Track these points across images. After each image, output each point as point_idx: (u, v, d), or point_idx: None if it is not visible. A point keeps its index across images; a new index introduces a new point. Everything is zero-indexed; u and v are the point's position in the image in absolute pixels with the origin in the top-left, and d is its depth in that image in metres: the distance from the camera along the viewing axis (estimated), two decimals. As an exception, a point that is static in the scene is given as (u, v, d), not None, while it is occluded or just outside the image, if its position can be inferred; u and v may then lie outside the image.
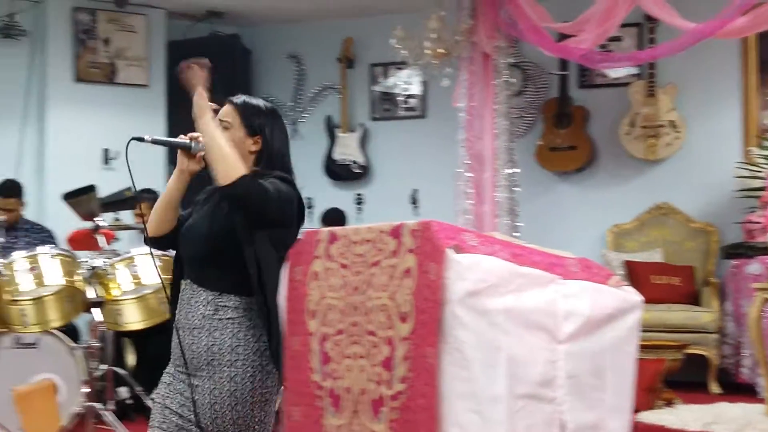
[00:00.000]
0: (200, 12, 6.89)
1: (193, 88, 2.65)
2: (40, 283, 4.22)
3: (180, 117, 6.90)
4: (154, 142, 2.65)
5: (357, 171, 7.10)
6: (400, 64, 6.64)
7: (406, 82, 7.05)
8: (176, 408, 2.58)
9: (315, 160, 7.14)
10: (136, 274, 4.40)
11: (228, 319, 2.54)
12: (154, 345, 5.65)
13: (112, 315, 4.44)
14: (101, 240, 4.44)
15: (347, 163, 7.10)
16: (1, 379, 4.33)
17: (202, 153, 2.62)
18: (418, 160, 6.93)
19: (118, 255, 4.51)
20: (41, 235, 5.77)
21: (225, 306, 2.55)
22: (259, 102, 2.72)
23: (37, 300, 4.33)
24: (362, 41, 7.09)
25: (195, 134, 2.65)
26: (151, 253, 2.82)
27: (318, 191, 6.95)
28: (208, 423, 2.53)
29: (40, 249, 4.32)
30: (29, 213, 5.94)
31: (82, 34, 6.56)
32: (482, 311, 2.12)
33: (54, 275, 4.21)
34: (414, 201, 6.85)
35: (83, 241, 4.56)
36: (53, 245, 5.23)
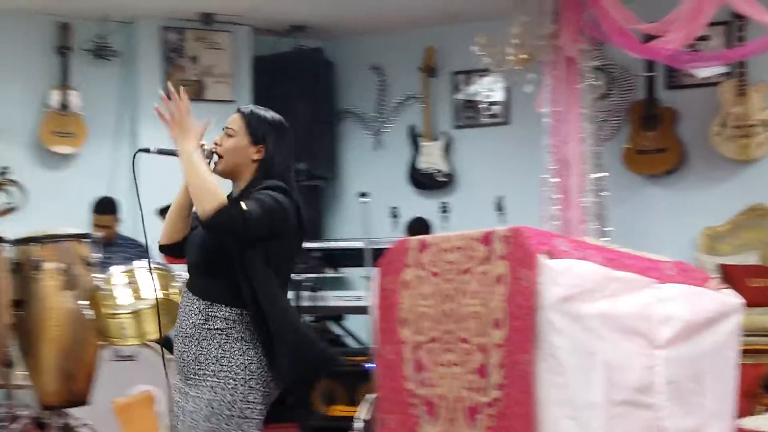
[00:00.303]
0: (284, 27, 6.99)
1: (176, 119, 2.66)
2: (137, 297, 4.33)
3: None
4: (160, 152, 2.75)
5: (441, 179, 7.09)
6: (483, 72, 6.62)
7: (489, 89, 7.02)
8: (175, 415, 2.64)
9: (399, 169, 7.16)
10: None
11: (216, 329, 2.53)
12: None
13: (206, 326, 4.52)
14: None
15: (431, 171, 7.11)
16: (102, 391, 4.44)
17: (208, 161, 2.68)
18: (503, 167, 6.89)
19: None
20: (136, 250, 5.92)
21: (215, 316, 2.53)
22: (267, 113, 2.77)
23: (135, 313, 4.45)
24: (444, 50, 7.10)
25: (202, 143, 2.71)
26: (149, 265, 3.32)
27: (402, 201, 6.97)
28: (185, 430, 2.54)
29: (136, 263, 4.44)
30: (124, 229, 6.12)
31: (171, 52, 6.73)
32: (576, 317, 2.11)
33: (151, 288, 4.32)
34: (499, 208, 6.80)
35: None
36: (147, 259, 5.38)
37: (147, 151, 2.73)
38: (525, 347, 2.11)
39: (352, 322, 6.23)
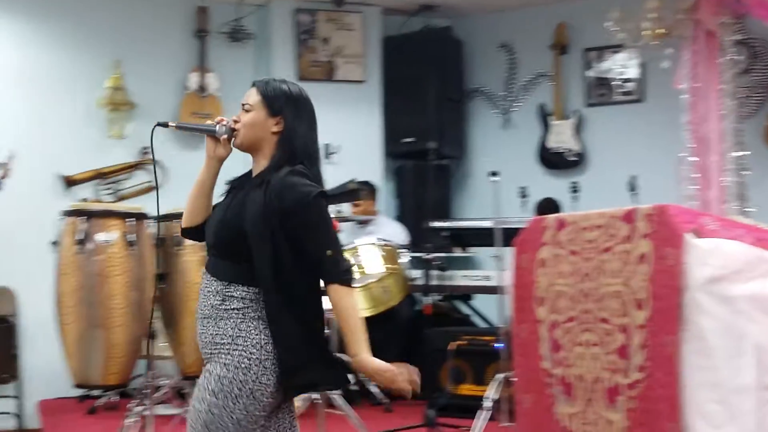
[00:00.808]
0: (414, 6, 6.99)
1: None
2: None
3: (395, 110, 7.09)
4: (178, 127, 2.67)
5: (572, 159, 6.97)
6: (616, 48, 6.45)
7: (623, 66, 6.84)
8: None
9: (528, 149, 7.07)
10: (360, 263, 4.53)
11: (233, 309, 2.45)
12: (374, 333, 5.81)
13: (338, 303, 4.60)
14: (328, 231, 4.59)
15: (561, 151, 6.99)
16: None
17: (226, 136, 2.56)
18: (636, 146, 6.71)
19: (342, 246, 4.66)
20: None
21: (231, 296, 2.45)
22: (284, 84, 2.61)
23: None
24: (575, 26, 6.95)
25: (221, 118, 2.60)
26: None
27: (532, 180, 6.86)
28: (195, 404, 2.45)
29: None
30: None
31: (304, 34, 6.84)
32: (725, 298, 2.04)
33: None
34: (632, 188, 6.61)
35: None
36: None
37: (165, 125, 2.60)
38: (669, 328, 2.06)
39: (480, 301, 6.20)
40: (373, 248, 4.55)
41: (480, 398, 4.64)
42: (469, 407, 4.91)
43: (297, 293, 2.40)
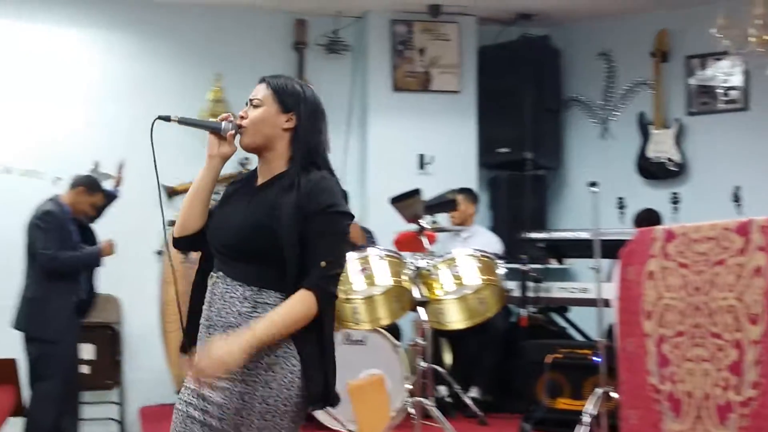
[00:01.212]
0: (510, 16, 6.95)
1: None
2: (371, 283, 4.45)
3: (490, 120, 7.05)
4: (181, 122, 2.44)
5: (672, 169, 6.81)
6: (720, 55, 6.29)
7: (727, 73, 6.66)
8: (198, 416, 2.30)
9: (627, 158, 6.94)
10: (458, 274, 4.51)
11: None
12: (469, 344, 5.80)
13: (435, 314, 4.59)
14: (425, 241, 4.61)
15: (662, 160, 6.84)
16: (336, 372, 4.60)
17: (233, 132, 2.42)
18: (740, 156, 6.52)
19: (440, 256, 4.65)
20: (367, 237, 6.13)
21: (265, 303, 2.27)
22: (295, 80, 2.48)
23: (368, 299, 4.60)
24: (677, 32, 6.80)
25: (226, 114, 2.47)
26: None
27: (630, 191, 6.76)
28: (231, 430, 2.26)
29: (370, 250, 4.56)
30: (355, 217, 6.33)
31: (400, 45, 6.87)
32: None
33: (383, 275, 4.42)
34: (736, 199, 6.45)
35: (409, 242, 4.74)
36: (374, 245, 5.54)
37: (167, 119, 2.42)
38: (786, 345, 1.99)
39: (577, 313, 6.11)
40: (470, 259, 4.52)
41: (577, 413, 4.55)
42: (566, 421, 4.83)
43: None
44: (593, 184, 5.10)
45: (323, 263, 2.25)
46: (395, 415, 4.60)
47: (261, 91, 2.43)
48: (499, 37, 7.09)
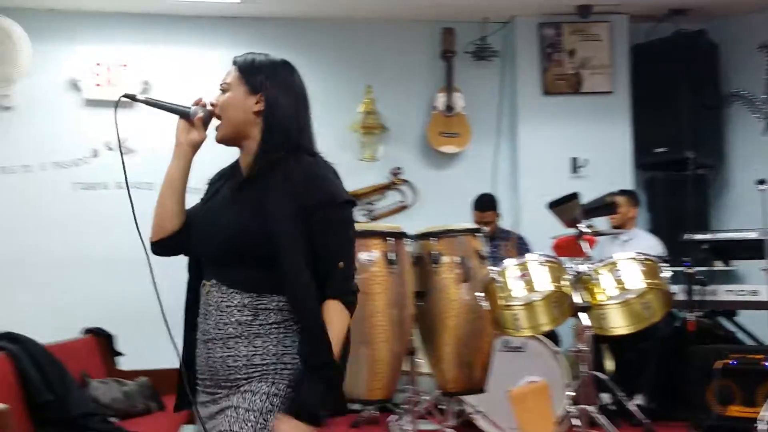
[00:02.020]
0: (662, 12, 6.75)
1: None
2: (530, 289, 4.40)
3: (645, 120, 6.84)
4: (147, 102, 2.25)
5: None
6: None
7: None
8: None
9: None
10: (620, 278, 4.40)
11: (271, 324, 2.09)
12: (632, 350, 5.64)
13: (597, 319, 4.49)
14: (585, 246, 4.52)
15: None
16: (493, 380, 4.59)
17: (201, 116, 2.22)
18: None
19: (600, 260, 4.55)
20: (517, 242, 6.08)
21: (266, 309, 2.09)
22: (264, 55, 2.23)
23: (528, 305, 4.55)
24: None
25: (199, 99, 2.26)
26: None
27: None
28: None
29: (529, 256, 4.52)
30: (503, 223, 6.31)
31: (549, 48, 6.79)
32: None
33: (543, 281, 4.37)
34: None
35: (569, 247, 4.67)
36: (528, 251, 5.49)
37: (132, 98, 2.23)
38: None
39: (746, 317, 5.85)
40: (632, 263, 4.40)
41: (751, 420, 4.38)
42: (739, 430, 4.65)
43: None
44: (762, 182, 4.89)
45: (341, 264, 2.09)
46: (558, 422, 4.53)
47: (230, 74, 2.21)
48: (651, 34, 6.89)
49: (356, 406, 5.66)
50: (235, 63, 2.22)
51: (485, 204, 6.12)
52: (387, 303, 4.35)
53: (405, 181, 6.73)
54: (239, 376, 2.09)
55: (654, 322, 4.60)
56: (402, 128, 6.75)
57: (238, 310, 2.10)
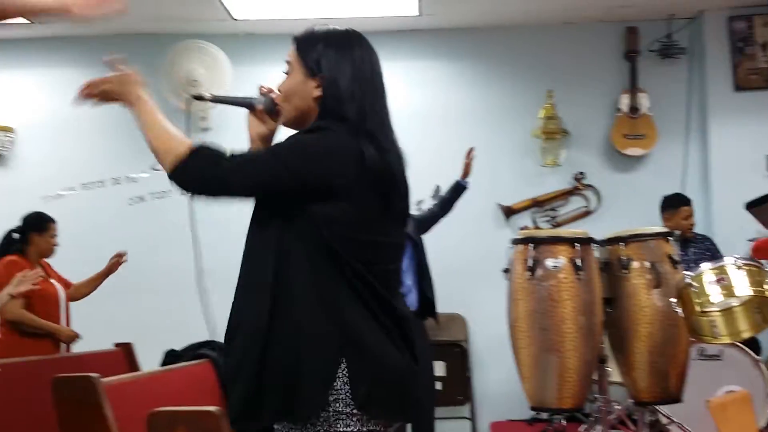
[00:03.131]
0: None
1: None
2: (728, 294, 4.20)
3: None
4: (214, 99, 2.16)
5: None
6: None
7: None
8: None
9: None
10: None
11: None
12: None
13: (804, 326, 4.25)
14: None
15: None
16: (689, 389, 4.42)
17: (262, 107, 2.04)
18: None
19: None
20: (705, 245, 5.84)
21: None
22: (325, 29, 1.97)
23: (726, 311, 4.34)
24: None
25: (263, 86, 2.09)
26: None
27: None
28: None
29: (726, 260, 4.32)
30: (698, 226, 6.07)
31: (740, 42, 6.48)
32: None
33: (742, 285, 4.16)
34: None
35: (771, 249, 4.45)
36: (716, 253, 5.26)
37: (201, 98, 2.13)
38: None
39: None
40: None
41: None
42: None
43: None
44: None
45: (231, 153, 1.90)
46: (763, 435, 4.32)
47: (291, 54, 2.00)
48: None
49: (544, 415, 5.60)
50: (294, 40, 2.02)
51: (677, 200, 5.89)
52: (575, 310, 4.28)
53: (588, 186, 6.59)
54: None
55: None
56: (584, 132, 6.63)
57: None
